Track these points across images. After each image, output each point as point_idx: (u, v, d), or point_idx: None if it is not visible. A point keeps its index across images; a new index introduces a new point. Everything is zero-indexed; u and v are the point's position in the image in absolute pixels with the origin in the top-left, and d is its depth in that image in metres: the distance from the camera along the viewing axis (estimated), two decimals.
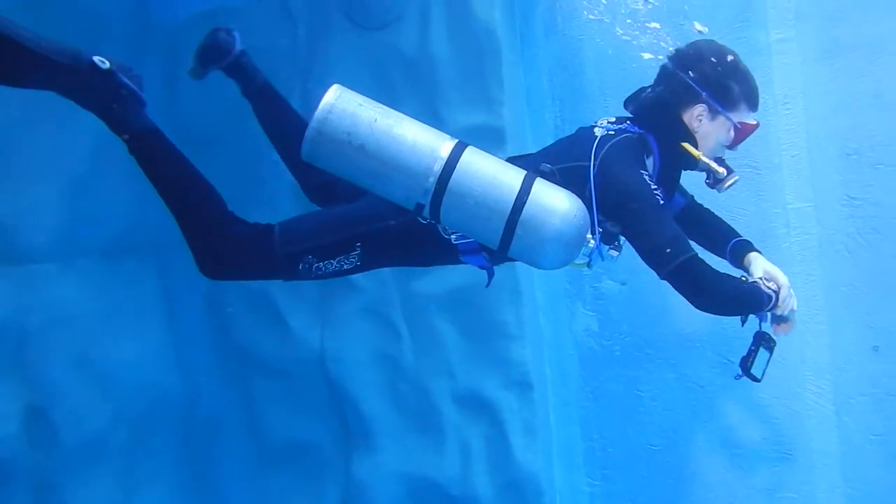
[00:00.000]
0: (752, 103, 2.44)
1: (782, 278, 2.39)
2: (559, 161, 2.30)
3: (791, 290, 2.40)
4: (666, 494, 3.99)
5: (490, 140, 3.90)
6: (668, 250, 2.19)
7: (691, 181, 2.73)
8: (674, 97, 2.40)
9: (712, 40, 2.49)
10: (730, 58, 2.40)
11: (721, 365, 3.93)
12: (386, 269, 4.05)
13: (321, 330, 4.14)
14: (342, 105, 2.15)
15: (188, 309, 4.19)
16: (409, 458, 4.06)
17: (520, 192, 2.14)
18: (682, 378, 3.94)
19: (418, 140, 2.17)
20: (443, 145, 2.17)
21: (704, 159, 2.38)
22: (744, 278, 2.38)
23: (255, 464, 4.18)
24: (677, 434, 3.98)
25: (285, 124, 2.65)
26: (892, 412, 3.75)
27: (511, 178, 2.17)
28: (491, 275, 2.43)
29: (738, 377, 2.42)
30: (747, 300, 2.33)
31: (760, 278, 2.38)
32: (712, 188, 2.47)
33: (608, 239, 2.30)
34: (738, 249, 2.53)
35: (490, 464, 4.01)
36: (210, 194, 2.27)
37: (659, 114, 2.39)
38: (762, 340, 2.45)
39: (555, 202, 2.16)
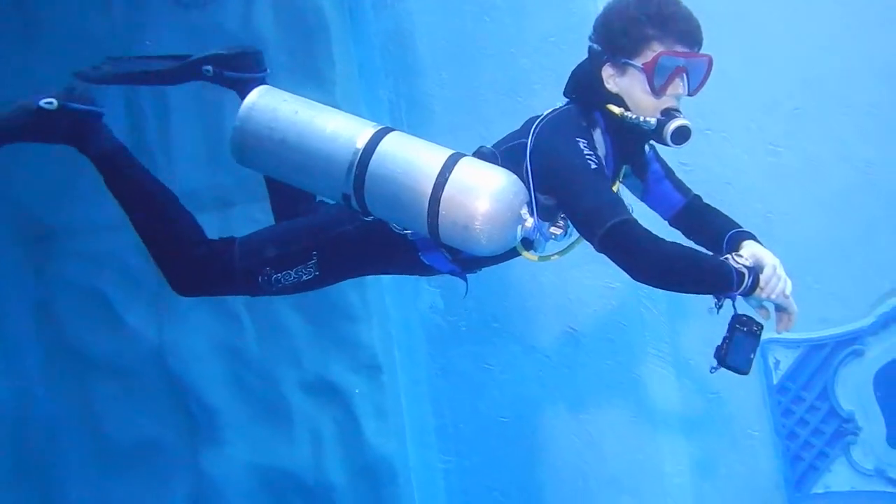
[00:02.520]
0: (671, 35, 2.17)
1: (769, 259, 2.16)
2: (503, 144, 2.31)
3: (782, 273, 2.16)
4: (519, 465, 4.24)
5: None
6: (597, 216, 2.05)
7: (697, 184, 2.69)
8: (588, 65, 2.30)
9: None
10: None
11: (566, 335, 4.17)
12: None
13: (159, 324, 4.19)
14: (264, 101, 2.25)
15: (13, 310, 4.14)
16: (260, 449, 4.18)
17: (441, 169, 2.11)
18: (529, 350, 4.17)
19: (339, 128, 2.21)
20: (363, 131, 2.20)
21: (626, 114, 2.20)
22: (732, 255, 2.17)
23: (98, 467, 4.24)
24: (527, 406, 4.22)
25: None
26: (727, 371, 4.03)
27: (433, 158, 2.15)
28: (464, 280, 2.48)
29: (713, 370, 2.21)
30: (704, 274, 2.09)
31: (741, 257, 2.16)
32: (665, 145, 2.24)
33: (546, 215, 2.18)
34: (734, 239, 2.31)
35: (343, 449, 4.17)
36: (173, 215, 2.39)
37: (581, 86, 2.31)
38: (740, 325, 2.17)
39: (480, 179, 2.11)
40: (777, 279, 2.16)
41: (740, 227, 2.39)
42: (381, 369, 4.14)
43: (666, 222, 2.56)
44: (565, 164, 2.14)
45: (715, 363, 2.21)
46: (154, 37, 4.06)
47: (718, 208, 2.51)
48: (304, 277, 2.37)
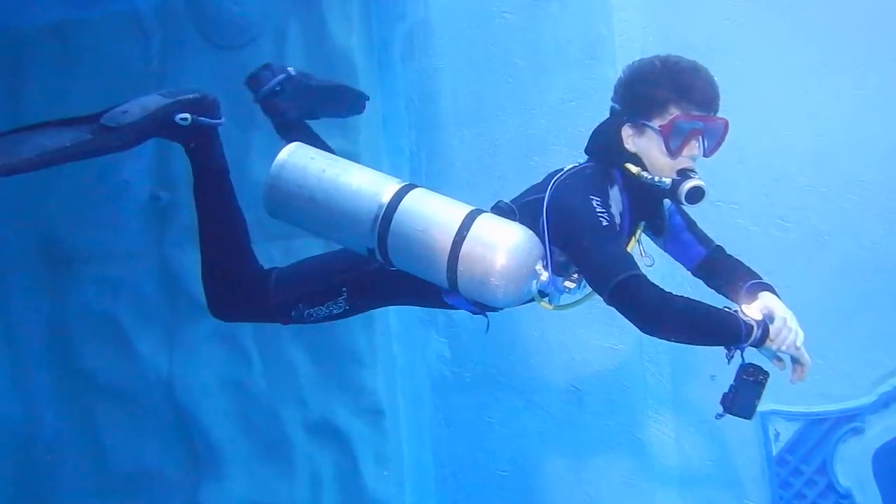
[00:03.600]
0: (687, 99, 2.28)
1: (780, 311, 2.22)
2: (522, 198, 2.40)
3: (793, 325, 2.21)
4: None
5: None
6: (606, 271, 2.15)
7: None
8: (609, 125, 2.41)
9: (658, 55, 2.38)
10: (656, 63, 2.33)
11: (569, 393, 4.29)
12: None
13: (169, 354, 4.34)
14: (294, 160, 2.40)
15: (27, 332, 4.29)
16: (259, 487, 4.29)
17: (460, 227, 2.20)
18: (531, 405, 4.28)
19: (364, 185, 2.32)
20: (387, 188, 2.31)
21: (643, 173, 2.30)
22: (726, 308, 2.22)
23: (99, 492, 4.37)
24: (526, 460, 4.32)
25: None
26: (727, 439, 4.14)
27: (453, 214, 2.24)
28: (485, 317, 2.52)
29: (719, 416, 2.27)
30: (712, 327, 2.16)
31: (750, 308, 2.22)
32: (679, 204, 2.34)
33: (560, 270, 2.29)
34: (751, 290, 2.35)
35: (341, 492, 4.29)
36: (239, 240, 2.57)
37: (601, 144, 2.41)
38: (746, 375, 2.24)
39: (497, 235, 2.20)
40: (788, 331, 2.20)
41: (759, 279, 2.44)
42: (384, 415, 4.26)
43: (689, 272, 2.64)
44: (578, 220, 2.23)
45: (721, 410, 2.27)
46: (188, 77, 4.24)
47: (737, 259, 2.56)
48: (335, 311, 2.53)
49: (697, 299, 2.17)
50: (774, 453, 4.14)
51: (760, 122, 3.94)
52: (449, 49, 4.34)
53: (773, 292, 2.34)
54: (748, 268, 2.52)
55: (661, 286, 2.14)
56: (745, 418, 2.29)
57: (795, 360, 2.28)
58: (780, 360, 2.29)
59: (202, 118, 2.47)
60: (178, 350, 4.37)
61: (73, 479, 4.41)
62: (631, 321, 2.15)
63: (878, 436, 4.05)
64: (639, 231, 2.46)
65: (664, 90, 2.29)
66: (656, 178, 2.30)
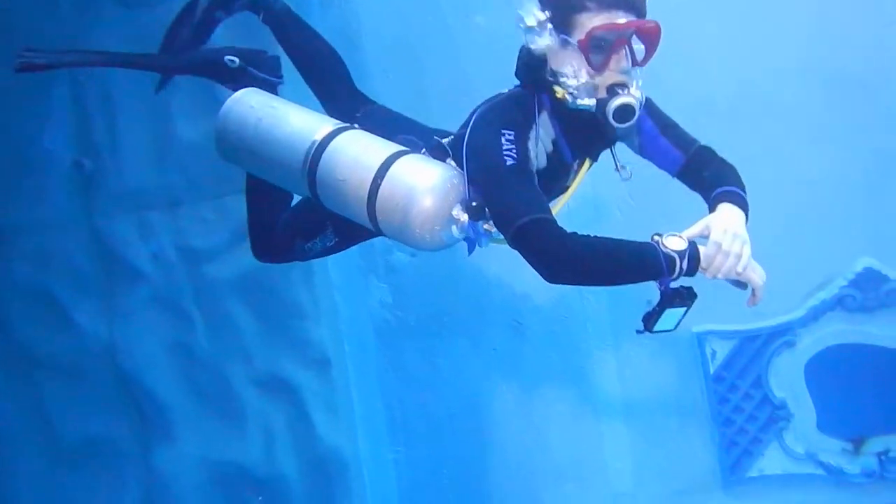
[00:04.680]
0: (602, 4, 2.10)
1: (717, 233, 2.02)
2: (457, 133, 2.33)
3: (731, 249, 2.01)
4: (467, 455, 4.52)
5: None
6: (507, 214, 2.05)
7: None
8: (531, 44, 2.22)
9: None
10: None
11: (512, 329, 4.41)
12: (172, 256, 4.28)
13: (109, 323, 4.36)
14: (235, 109, 2.51)
15: None
16: (211, 445, 4.39)
17: (379, 168, 2.19)
18: (476, 344, 4.43)
19: (294, 134, 2.38)
20: (323, 127, 2.35)
21: (567, 96, 2.15)
22: (656, 238, 2.03)
23: (49, 465, 4.43)
24: (475, 399, 4.50)
25: (310, 52, 2.83)
26: (667, 360, 4.32)
27: (371, 160, 2.22)
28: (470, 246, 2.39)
29: (639, 332, 2.14)
30: (625, 265, 2.02)
31: (675, 236, 2.03)
32: (610, 126, 2.15)
33: (476, 213, 2.18)
34: (715, 201, 2.18)
35: (294, 443, 4.40)
36: (279, 201, 2.69)
37: (526, 66, 2.24)
38: (669, 297, 2.08)
39: (411, 180, 2.17)
40: (724, 256, 2.01)
41: (730, 185, 2.23)
42: (330, 365, 4.36)
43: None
44: (483, 159, 2.14)
45: (641, 326, 2.15)
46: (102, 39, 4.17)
47: (721, 159, 2.36)
48: (329, 244, 2.61)
49: (612, 237, 2.03)
50: (712, 371, 4.35)
51: (683, 50, 4.00)
52: None
53: (738, 202, 2.16)
54: (725, 172, 2.31)
55: (568, 229, 2.03)
56: (668, 331, 2.15)
57: (745, 286, 2.11)
58: (740, 284, 2.11)
59: (252, 69, 2.67)
60: (118, 318, 4.40)
61: (22, 453, 4.46)
62: (534, 269, 2.04)
63: (808, 348, 4.28)
64: (586, 164, 2.36)
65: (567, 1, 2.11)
66: (579, 101, 2.13)
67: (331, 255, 2.79)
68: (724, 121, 4.15)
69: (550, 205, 2.22)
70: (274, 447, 4.43)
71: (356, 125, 2.44)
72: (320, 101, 2.74)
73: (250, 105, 2.48)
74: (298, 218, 2.65)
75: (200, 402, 4.43)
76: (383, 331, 4.53)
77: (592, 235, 2.04)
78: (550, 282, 2.06)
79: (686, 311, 2.13)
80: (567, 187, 2.39)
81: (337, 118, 2.49)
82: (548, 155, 2.26)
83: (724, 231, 2.05)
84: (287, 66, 2.91)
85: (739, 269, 2.05)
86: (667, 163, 2.39)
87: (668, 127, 2.39)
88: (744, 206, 2.19)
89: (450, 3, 4.35)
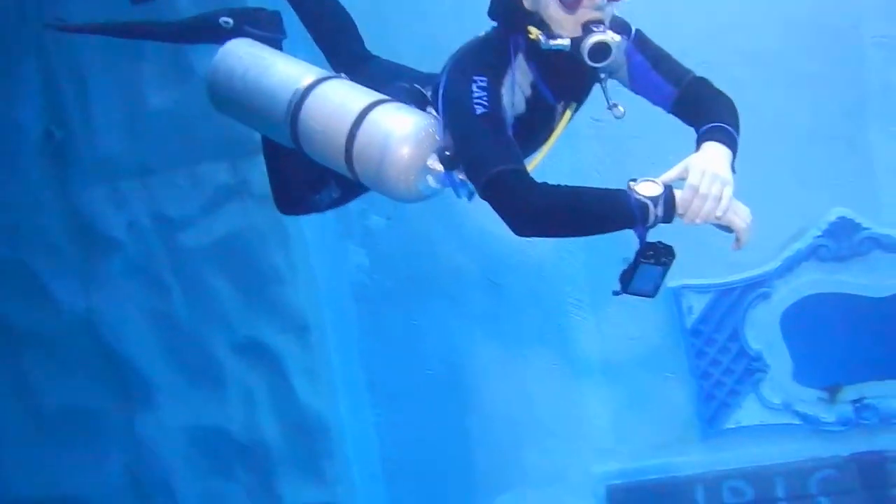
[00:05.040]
0: None
1: (695, 175, 1.90)
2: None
3: (709, 191, 1.89)
4: (449, 415, 4.59)
5: None
6: (477, 164, 2.00)
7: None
8: None
9: None
10: None
11: (490, 288, 4.45)
12: (147, 224, 4.29)
13: (86, 293, 4.38)
14: (225, 60, 2.49)
15: None
16: (193, 412, 4.44)
17: (357, 116, 2.16)
18: (455, 304, 4.47)
19: (289, 70, 2.37)
20: (308, 75, 2.32)
21: (540, 37, 2.06)
22: (630, 184, 1.93)
23: (33, 435, 4.47)
24: (455, 358, 4.55)
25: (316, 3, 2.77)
26: (645, 316, 4.36)
27: (352, 105, 2.20)
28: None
29: (616, 293, 2.07)
30: (595, 214, 1.94)
31: (649, 181, 1.93)
32: (587, 66, 2.07)
33: (451, 163, 2.11)
34: (700, 139, 2.05)
35: (275, 408, 4.45)
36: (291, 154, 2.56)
37: (499, 4, 2.17)
38: (646, 256, 2.01)
39: (389, 126, 2.14)
40: (701, 200, 1.90)
41: (716, 122, 2.07)
42: (309, 329, 4.40)
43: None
44: (454, 107, 2.07)
45: (618, 287, 2.07)
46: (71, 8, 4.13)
47: (716, 91, 2.23)
48: (334, 196, 2.59)
49: (580, 186, 1.95)
50: (689, 326, 4.40)
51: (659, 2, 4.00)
52: None
53: (725, 139, 2.02)
54: (715, 106, 2.16)
55: (538, 180, 1.97)
56: (647, 296, 2.07)
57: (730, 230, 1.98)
58: (725, 227, 1.98)
59: (248, 27, 2.60)
60: (95, 288, 4.43)
61: (5, 425, 4.49)
62: (503, 220, 1.98)
63: (784, 299, 4.33)
64: (570, 111, 2.25)
65: None
66: (552, 42, 2.04)
67: (337, 208, 2.73)
68: (698, 69, 4.16)
69: (536, 151, 2.22)
70: (255, 412, 4.48)
71: (342, 75, 2.41)
72: (325, 56, 2.70)
73: (238, 56, 2.48)
74: (304, 170, 2.56)
75: (181, 369, 4.48)
76: (361, 294, 4.57)
77: (563, 185, 1.96)
78: (520, 234, 2.00)
79: (664, 271, 2.04)
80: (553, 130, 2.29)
81: (344, 72, 2.46)
82: (527, 99, 2.18)
83: (703, 172, 1.91)
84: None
85: (719, 213, 1.92)
86: (659, 98, 2.26)
87: (659, 60, 2.27)
88: (731, 143, 2.04)
89: None
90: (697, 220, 1.93)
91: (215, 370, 4.46)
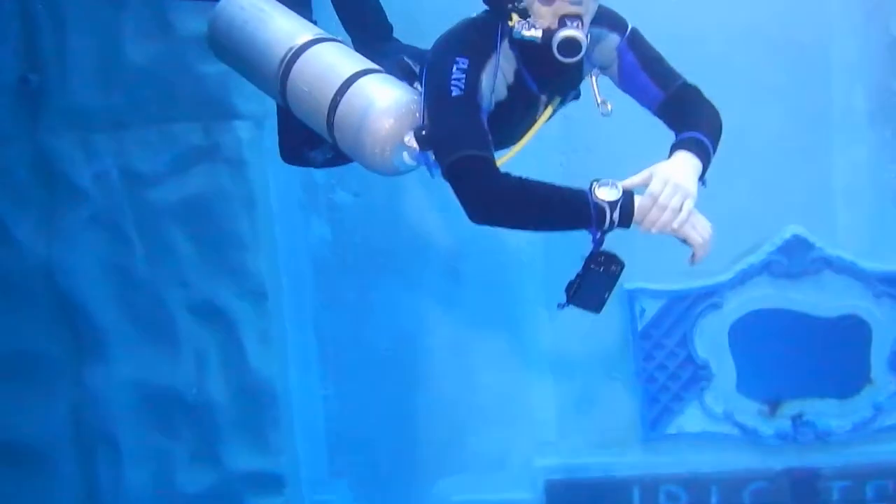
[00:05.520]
0: None
1: (657, 184, 1.90)
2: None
3: (669, 202, 1.89)
4: (396, 394, 4.68)
5: None
6: (443, 147, 2.01)
7: None
8: None
9: None
10: None
11: (448, 273, 4.52)
12: (115, 178, 4.34)
13: (48, 240, 4.43)
14: (227, 8, 2.50)
15: None
16: (144, 367, 4.50)
17: (343, 83, 2.18)
18: (412, 285, 4.55)
19: (286, 26, 2.40)
20: (304, 34, 2.34)
21: (515, 27, 2.05)
22: (597, 184, 1.93)
23: None
24: (407, 338, 4.63)
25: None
26: (598, 315, 4.42)
27: (341, 71, 2.21)
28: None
29: (561, 306, 2.10)
30: (552, 211, 1.96)
31: (610, 184, 1.93)
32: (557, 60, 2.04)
33: (425, 142, 2.11)
34: (674, 147, 2.04)
35: (225, 371, 4.52)
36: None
37: None
38: (595, 264, 2.02)
39: (372, 96, 2.15)
40: (659, 210, 1.90)
41: (694, 132, 2.07)
42: (266, 296, 4.47)
43: None
44: (432, 88, 2.08)
45: (563, 299, 2.08)
46: None
47: (703, 101, 2.23)
48: (328, 155, 2.56)
49: (543, 181, 1.96)
50: (640, 328, 4.48)
51: (628, 8, 4.08)
52: None
53: (698, 150, 2.01)
54: (699, 116, 2.16)
55: (501, 171, 1.97)
56: (592, 312, 2.09)
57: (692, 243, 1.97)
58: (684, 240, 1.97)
59: None
60: (57, 236, 4.48)
61: None
62: (461, 205, 1.99)
63: (734, 310, 4.43)
64: (554, 102, 2.25)
65: None
66: (523, 32, 2.03)
67: (334, 167, 2.71)
68: None
69: (516, 140, 2.24)
70: (205, 373, 4.55)
71: (339, 39, 2.44)
72: (347, 31, 2.70)
73: (241, 6, 2.50)
74: (300, 128, 2.55)
75: (135, 324, 4.53)
76: (321, 267, 4.64)
77: (525, 178, 1.97)
78: (474, 220, 2.00)
79: (612, 282, 2.04)
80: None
81: (362, 52, 2.46)
82: (509, 86, 2.16)
83: (665, 181, 1.91)
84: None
85: (675, 226, 1.92)
86: (646, 100, 2.24)
87: (650, 61, 2.25)
88: (704, 155, 2.02)
89: None
90: (653, 230, 1.93)
91: (169, 328, 4.52)
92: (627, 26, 2.24)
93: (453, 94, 2.02)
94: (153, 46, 4.35)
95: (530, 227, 2.10)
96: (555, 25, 2.01)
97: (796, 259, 4.28)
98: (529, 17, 2.05)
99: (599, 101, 2.26)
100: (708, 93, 4.12)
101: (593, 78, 2.29)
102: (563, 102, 2.30)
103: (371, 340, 4.67)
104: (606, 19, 2.21)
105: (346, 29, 2.70)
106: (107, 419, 4.57)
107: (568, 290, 2.06)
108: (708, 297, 4.42)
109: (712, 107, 2.22)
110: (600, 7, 2.18)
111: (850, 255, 4.25)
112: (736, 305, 4.42)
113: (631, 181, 1.96)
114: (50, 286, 4.52)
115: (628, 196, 1.93)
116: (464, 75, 2.02)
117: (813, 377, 4.40)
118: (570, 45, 1.99)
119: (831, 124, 4.21)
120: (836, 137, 4.22)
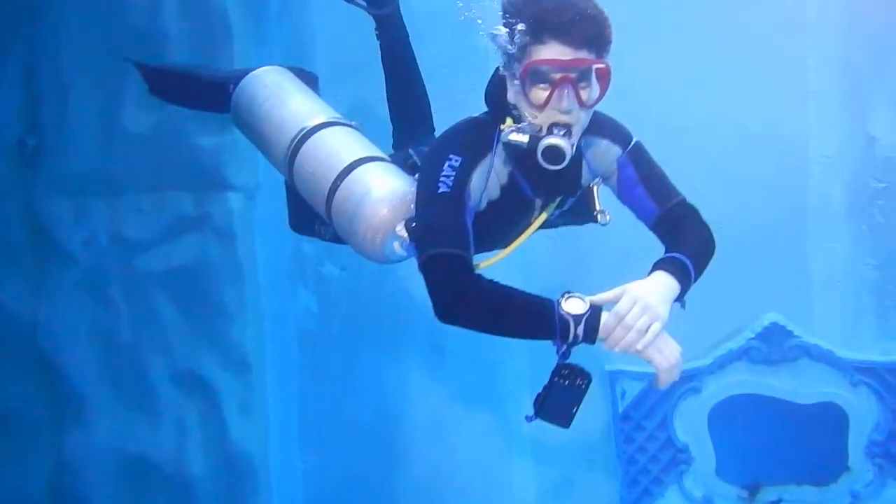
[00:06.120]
0: (546, 36, 1.96)
1: (625, 303, 1.89)
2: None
3: (634, 323, 1.88)
4: (377, 469, 4.71)
5: (219, 121, 4.31)
6: (423, 240, 2.03)
7: None
8: (497, 71, 2.17)
9: None
10: None
11: (433, 348, 4.59)
12: (105, 243, 4.41)
13: (34, 301, 4.46)
14: (251, 84, 2.66)
15: None
16: (123, 434, 4.53)
17: (338, 176, 2.26)
18: (396, 359, 4.62)
19: (301, 108, 2.53)
20: (317, 117, 2.47)
21: (504, 131, 2.08)
22: (566, 297, 1.94)
23: None
24: (389, 412, 4.67)
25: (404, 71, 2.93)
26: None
27: (344, 156, 2.31)
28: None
29: (529, 419, 2.07)
30: (517, 320, 1.97)
31: (578, 298, 1.93)
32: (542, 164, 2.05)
33: (413, 234, 2.15)
34: (654, 266, 2.05)
35: (205, 442, 4.54)
36: None
37: (489, 93, 2.21)
38: (561, 377, 2.01)
39: (370, 185, 2.23)
40: (624, 330, 1.89)
41: (679, 253, 2.07)
42: (250, 367, 4.54)
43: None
44: (422, 181, 2.12)
45: (532, 412, 2.05)
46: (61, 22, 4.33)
47: (697, 222, 2.25)
48: (334, 232, 2.52)
49: (514, 288, 1.97)
50: (620, 410, 4.54)
51: (615, 97, 4.25)
52: (325, 8, 4.52)
53: (678, 272, 2.01)
54: (688, 237, 2.18)
55: (475, 273, 1.99)
56: (560, 426, 2.07)
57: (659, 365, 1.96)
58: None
59: None
60: (44, 298, 4.54)
61: None
62: (431, 301, 2.00)
63: (713, 395, 4.51)
64: (550, 208, 2.26)
65: (525, 27, 1.98)
66: (512, 136, 2.06)
67: (338, 244, 2.63)
68: None
69: (509, 242, 2.27)
70: (185, 444, 4.57)
71: (353, 123, 2.53)
72: (392, 122, 2.86)
73: (264, 83, 2.64)
74: (309, 205, 2.61)
75: (116, 390, 4.57)
76: (306, 339, 4.69)
77: (496, 283, 1.99)
78: (441, 320, 2.00)
79: (579, 397, 2.03)
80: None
81: (399, 144, 2.62)
82: (502, 187, 2.19)
83: (634, 301, 1.90)
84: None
85: (639, 347, 1.91)
86: (642, 214, 2.27)
87: (649, 177, 2.27)
88: (683, 277, 2.02)
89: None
90: (616, 349, 1.92)
91: (151, 396, 4.56)
92: (630, 140, 2.27)
93: (440, 190, 2.05)
94: (151, 117, 4.47)
95: (494, 331, 2.04)
96: (543, 132, 2.04)
97: (775, 346, 4.38)
98: (524, 121, 2.07)
99: (598, 209, 2.29)
100: (692, 182, 4.32)
101: (594, 187, 2.30)
102: (561, 208, 2.31)
103: (354, 413, 4.71)
104: (610, 130, 2.26)
105: (391, 119, 2.87)
106: (84, 486, 4.57)
107: (535, 402, 2.05)
108: (688, 381, 4.49)
109: (705, 230, 2.25)
110: (606, 118, 2.26)
111: (827, 343, 4.33)
112: (715, 390, 4.50)
113: (601, 297, 1.96)
114: (33, 348, 4.57)
115: (595, 311, 1.92)
116: (454, 172, 2.06)
117: (791, 463, 4.45)
118: (554, 154, 2.01)
119: (809, 216, 4.36)
120: (814, 229, 4.36)
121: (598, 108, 2.16)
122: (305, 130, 2.45)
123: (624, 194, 2.28)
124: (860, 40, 4.26)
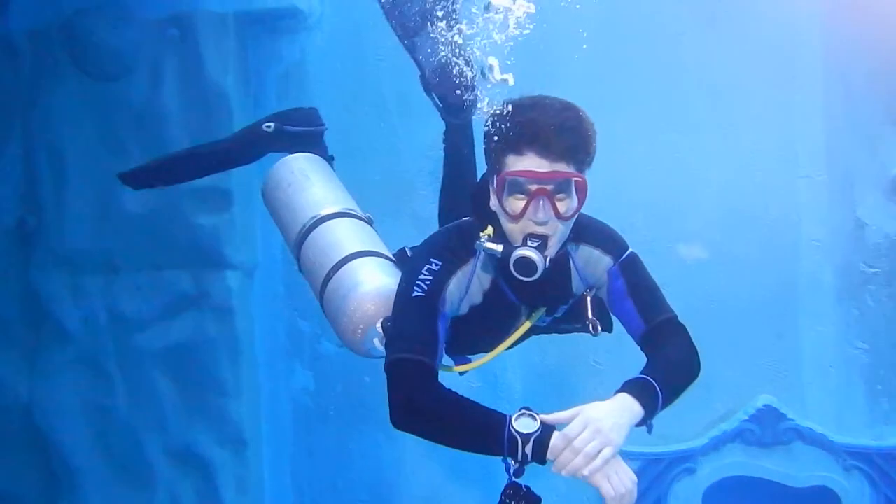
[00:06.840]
0: (522, 148, 1.98)
1: (576, 426, 1.86)
2: None
3: (583, 448, 1.84)
4: None
5: (217, 200, 4.41)
6: (391, 343, 2.07)
7: None
8: (482, 179, 2.23)
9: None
10: (506, 103, 2.05)
11: None
12: (102, 320, 4.47)
13: (29, 378, 4.52)
14: (279, 169, 2.77)
15: None
16: None
17: (337, 262, 2.36)
18: (391, 437, 4.64)
19: (319, 195, 2.63)
20: (331, 206, 2.57)
21: (479, 240, 2.08)
22: (518, 414, 1.92)
23: None
24: (385, 489, 4.73)
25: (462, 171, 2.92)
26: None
27: (343, 248, 2.41)
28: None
29: None
30: (466, 434, 1.99)
31: (530, 416, 1.91)
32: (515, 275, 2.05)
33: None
34: (620, 387, 2.00)
35: None
36: None
37: (473, 199, 2.23)
38: (507, 497, 2.02)
39: (360, 279, 2.32)
40: (571, 453, 1.85)
41: (649, 375, 2.01)
42: (246, 444, 4.59)
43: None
44: (402, 280, 2.16)
45: None
46: (60, 104, 4.43)
47: (680, 342, 2.18)
48: None
49: (473, 402, 1.97)
50: None
51: (608, 177, 4.34)
52: (323, 90, 4.64)
53: (642, 396, 1.95)
54: (662, 358, 2.11)
55: (435, 382, 2.01)
56: None
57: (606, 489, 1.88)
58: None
59: (288, 126, 2.91)
60: (39, 374, 4.60)
61: None
62: (389, 405, 2.03)
63: (708, 476, 4.56)
64: (536, 315, 2.26)
65: (501, 140, 2.02)
66: (485, 245, 2.06)
67: None
68: (643, 246, 4.49)
69: (493, 346, 2.29)
70: None
71: (368, 216, 2.64)
72: (439, 213, 2.88)
73: (291, 170, 2.76)
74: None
75: (111, 467, 4.61)
76: (302, 416, 4.75)
77: (454, 393, 1.99)
78: (395, 426, 2.03)
79: None
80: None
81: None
82: (484, 293, 2.20)
83: (585, 424, 1.86)
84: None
85: (586, 472, 1.85)
86: (630, 328, 2.23)
87: (639, 290, 2.22)
88: (649, 401, 1.96)
89: (397, 108, 4.66)
90: (563, 473, 1.87)
91: (146, 472, 4.60)
92: (624, 251, 2.25)
93: (414, 293, 2.08)
94: (150, 196, 4.52)
95: (444, 443, 2.04)
96: (518, 242, 2.03)
97: (768, 428, 4.44)
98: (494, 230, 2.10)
99: (590, 319, 2.26)
100: (685, 265, 4.41)
101: (587, 296, 2.27)
102: (553, 315, 2.32)
103: (349, 490, 4.76)
104: (602, 240, 2.25)
105: (439, 211, 2.90)
106: None
107: None
108: (682, 462, 4.54)
109: (688, 351, 2.18)
110: (600, 226, 2.27)
111: (820, 427, 4.39)
112: (709, 471, 4.55)
113: (557, 416, 1.93)
114: (28, 425, 4.61)
115: (546, 431, 1.88)
116: (431, 277, 2.09)
117: None
118: (526, 265, 2.00)
119: (800, 299, 4.44)
120: (805, 312, 4.46)
121: (596, 207, 2.20)
122: (316, 218, 2.55)
123: (613, 306, 2.26)
124: (846, 126, 4.36)
